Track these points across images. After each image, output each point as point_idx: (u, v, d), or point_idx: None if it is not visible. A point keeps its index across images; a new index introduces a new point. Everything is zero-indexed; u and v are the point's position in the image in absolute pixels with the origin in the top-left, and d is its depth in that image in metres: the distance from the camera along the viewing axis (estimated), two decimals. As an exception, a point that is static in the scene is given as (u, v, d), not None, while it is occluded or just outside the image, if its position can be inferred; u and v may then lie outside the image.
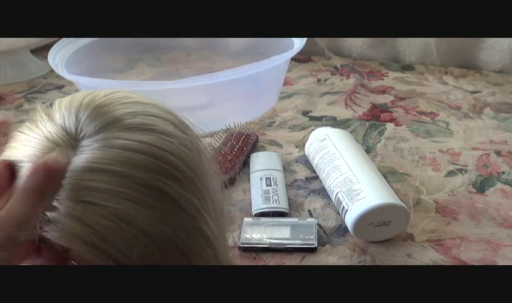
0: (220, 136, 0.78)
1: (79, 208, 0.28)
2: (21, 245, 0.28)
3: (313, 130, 0.75)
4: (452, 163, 0.73)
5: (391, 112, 0.90)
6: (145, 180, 0.29)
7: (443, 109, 0.90)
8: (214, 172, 0.35)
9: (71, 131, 0.30)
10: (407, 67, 1.09)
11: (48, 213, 0.28)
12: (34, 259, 0.29)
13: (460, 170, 0.72)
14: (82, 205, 0.28)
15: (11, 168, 0.29)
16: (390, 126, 0.85)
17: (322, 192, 0.67)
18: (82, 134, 0.30)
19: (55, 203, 0.28)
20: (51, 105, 0.32)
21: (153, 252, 0.28)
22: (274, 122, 0.88)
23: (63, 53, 0.88)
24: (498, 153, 0.76)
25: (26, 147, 0.30)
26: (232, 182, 0.70)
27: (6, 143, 0.32)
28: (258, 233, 0.59)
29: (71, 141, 0.29)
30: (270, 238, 0.58)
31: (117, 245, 0.28)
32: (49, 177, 0.27)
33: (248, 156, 0.75)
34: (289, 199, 0.66)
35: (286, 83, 1.00)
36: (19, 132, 0.32)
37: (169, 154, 0.30)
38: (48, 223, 0.28)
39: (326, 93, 0.98)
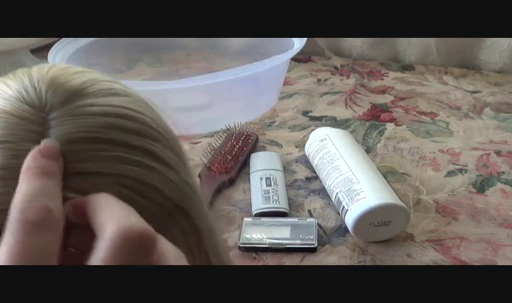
0: (220, 136, 0.78)
1: (80, 182, 0.26)
2: None
3: (313, 130, 0.75)
4: (452, 163, 0.73)
5: (391, 112, 0.90)
6: (132, 142, 0.28)
7: (443, 109, 0.90)
8: None
9: (35, 104, 0.28)
10: (407, 67, 1.09)
11: None
12: None
13: (460, 170, 0.72)
14: (80, 178, 0.26)
15: None
16: (390, 126, 0.85)
17: (322, 192, 0.67)
18: (48, 107, 0.28)
19: None
20: None
21: (161, 215, 0.28)
22: (274, 122, 0.88)
23: (63, 53, 0.88)
24: (498, 153, 0.76)
25: None
26: (232, 182, 0.70)
27: None
28: (258, 233, 0.59)
29: (39, 112, 0.27)
30: (270, 238, 0.58)
31: None
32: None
33: (248, 156, 0.75)
34: (289, 199, 0.66)
35: (286, 83, 1.00)
36: None
37: (141, 115, 0.30)
38: None
39: (326, 93, 0.98)
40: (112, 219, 0.23)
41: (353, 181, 0.60)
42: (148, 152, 0.29)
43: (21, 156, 0.26)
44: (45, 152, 0.25)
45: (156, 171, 0.28)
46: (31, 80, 0.29)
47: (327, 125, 0.77)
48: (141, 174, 0.28)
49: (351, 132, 0.81)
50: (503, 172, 0.71)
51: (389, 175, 0.71)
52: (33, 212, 0.22)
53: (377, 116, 0.88)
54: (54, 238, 0.22)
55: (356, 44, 1.13)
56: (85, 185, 0.26)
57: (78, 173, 0.26)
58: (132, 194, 0.27)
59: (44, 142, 0.26)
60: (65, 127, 0.27)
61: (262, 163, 0.71)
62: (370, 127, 0.85)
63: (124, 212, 0.24)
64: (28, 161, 0.25)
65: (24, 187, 0.24)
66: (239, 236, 0.59)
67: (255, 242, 0.58)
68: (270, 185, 0.67)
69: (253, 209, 0.64)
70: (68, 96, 0.28)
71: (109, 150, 0.27)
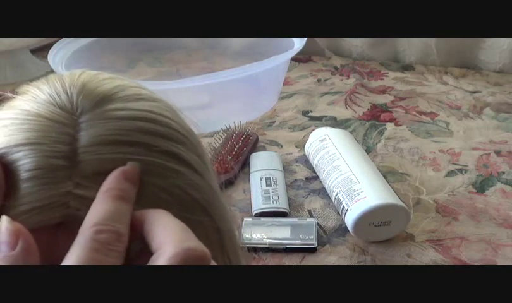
0: (220, 136, 0.78)
1: None
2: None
3: (313, 130, 0.75)
4: (452, 163, 0.73)
5: (391, 112, 0.90)
6: (159, 146, 0.29)
7: (443, 109, 0.90)
8: None
9: (67, 108, 0.29)
10: (407, 67, 1.09)
11: (75, 190, 0.27)
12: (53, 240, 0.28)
13: (460, 170, 0.72)
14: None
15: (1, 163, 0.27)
16: (390, 126, 0.85)
17: (322, 192, 0.67)
18: (79, 110, 0.29)
19: (77, 179, 0.27)
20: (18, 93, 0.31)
21: (188, 217, 0.29)
22: (274, 122, 0.88)
23: (63, 53, 0.88)
24: (498, 153, 0.76)
25: (19, 131, 0.28)
26: (232, 182, 0.70)
27: None
28: (258, 233, 0.59)
29: (71, 116, 0.28)
30: (270, 238, 0.58)
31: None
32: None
33: (248, 156, 0.75)
34: (289, 199, 0.66)
35: (286, 83, 1.00)
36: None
37: (168, 119, 0.31)
38: (78, 199, 0.27)
39: (326, 93, 0.98)
40: (172, 240, 0.24)
41: (353, 181, 0.60)
42: (174, 155, 0.29)
43: (54, 157, 0.27)
44: (129, 175, 0.27)
45: (181, 173, 0.29)
46: (63, 85, 0.30)
47: (327, 125, 0.77)
48: (168, 177, 0.28)
49: (351, 132, 0.81)
50: (503, 172, 0.71)
51: (389, 175, 0.71)
52: (106, 235, 0.24)
53: (377, 116, 0.88)
54: (119, 260, 0.24)
55: (356, 44, 1.13)
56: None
57: (106, 174, 0.27)
58: (160, 192, 0.28)
59: (130, 165, 0.27)
60: (96, 130, 0.28)
61: (262, 163, 0.71)
62: (370, 127, 0.85)
63: (182, 233, 0.25)
64: (111, 181, 0.26)
65: (102, 207, 0.25)
66: (239, 236, 0.59)
67: (255, 242, 0.58)
68: (270, 185, 0.67)
69: (253, 209, 0.64)
70: (98, 101, 0.29)
71: (137, 153, 0.28)
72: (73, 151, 0.27)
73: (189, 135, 0.32)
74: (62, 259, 0.25)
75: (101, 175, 0.27)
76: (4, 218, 0.25)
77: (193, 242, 0.24)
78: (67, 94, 0.29)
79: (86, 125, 0.28)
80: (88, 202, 0.26)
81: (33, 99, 0.30)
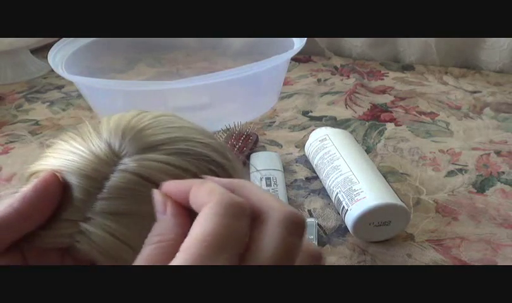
0: (220, 136, 0.78)
1: (113, 225, 0.28)
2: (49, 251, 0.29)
3: (313, 130, 0.75)
4: (452, 163, 0.73)
5: (391, 112, 0.90)
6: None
7: (443, 109, 0.90)
8: None
9: (115, 148, 0.30)
10: (407, 67, 1.09)
11: (82, 224, 0.28)
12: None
13: (460, 170, 0.72)
14: (115, 223, 0.29)
15: (58, 179, 0.30)
16: (390, 126, 0.85)
17: (322, 192, 0.67)
18: (124, 153, 0.30)
19: (89, 214, 0.28)
20: (99, 122, 0.33)
21: None
22: (274, 122, 0.88)
23: (63, 53, 0.88)
24: (498, 153, 0.76)
25: (69, 157, 0.30)
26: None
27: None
28: (258, 233, 0.59)
29: (113, 157, 0.30)
30: (270, 238, 0.58)
31: None
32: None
33: (248, 156, 0.75)
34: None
35: (286, 83, 1.00)
36: (61, 140, 0.32)
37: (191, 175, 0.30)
38: (81, 233, 0.28)
39: (326, 93, 0.98)
40: (274, 205, 0.26)
41: (352, 181, 0.60)
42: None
43: (77, 188, 0.29)
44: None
45: None
46: (122, 126, 0.32)
47: (327, 125, 0.77)
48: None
49: (351, 132, 0.81)
50: (503, 172, 0.71)
51: (389, 175, 0.71)
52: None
53: (377, 116, 0.88)
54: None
55: (356, 44, 1.13)
56: (109, 227, 0.28)
57: (111, 215, 0.28)
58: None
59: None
60: (121, 177, 0.29)
61: (262, 163, 0.71)
62: (370, 127, 0.85)
63: (277, 200, 0.27)
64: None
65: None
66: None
67: (255, 242, 0.58)
68: (270, 185, 0.67)
69: (253, 209, 0.64)
70: (144, 148, 0.30)
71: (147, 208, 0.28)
72: (98, 188, 0.29)
73: None
74: None
75: (113, 215, 0.28)
76: (155, 191, 0.28)
77: (292, 208, 0.27)
78: (121, 135, 0.31)
79: (121, 168, 0.29)
80: (90, 236, 0.28)
81: (97, 134, 0.31)
